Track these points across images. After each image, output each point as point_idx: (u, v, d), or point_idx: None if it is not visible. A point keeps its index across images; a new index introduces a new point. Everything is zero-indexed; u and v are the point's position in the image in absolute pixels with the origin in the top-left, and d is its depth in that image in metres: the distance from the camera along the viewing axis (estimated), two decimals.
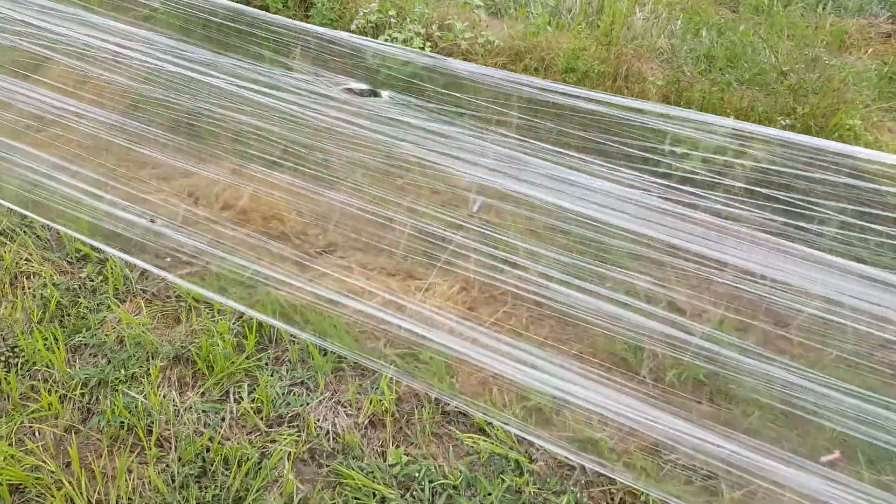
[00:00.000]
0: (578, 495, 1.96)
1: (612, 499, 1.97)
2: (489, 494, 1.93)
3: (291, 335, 2.29)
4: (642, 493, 1.97)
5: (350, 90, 2.58)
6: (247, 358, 2.20)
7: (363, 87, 2.57)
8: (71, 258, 2.51)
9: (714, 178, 2.72)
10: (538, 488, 1.96)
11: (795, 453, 2.02)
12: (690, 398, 2.23)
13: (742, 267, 2.43)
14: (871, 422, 2.05)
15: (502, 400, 2.17)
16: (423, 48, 3.39)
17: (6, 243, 2.57)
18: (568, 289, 2.42)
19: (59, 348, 2.18)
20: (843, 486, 1.90)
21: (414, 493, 1.93)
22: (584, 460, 2.05)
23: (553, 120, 2.80)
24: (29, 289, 2.38)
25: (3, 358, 2.16)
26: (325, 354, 2.25)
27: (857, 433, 2.05)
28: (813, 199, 2.57)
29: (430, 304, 2.41)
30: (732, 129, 2.62)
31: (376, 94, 2.61)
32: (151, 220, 2.39)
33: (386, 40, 3.25)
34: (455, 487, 1.95)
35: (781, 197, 2.62)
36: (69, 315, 2.30)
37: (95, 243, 2.51)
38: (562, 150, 2.64)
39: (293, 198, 2.72)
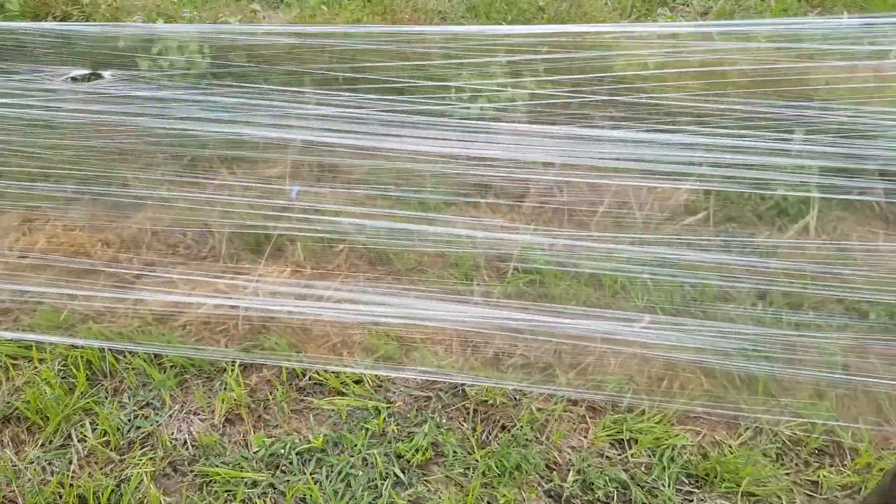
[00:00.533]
0: (438, 419, 2.07)
1: (468, 411, 2.10)
2: (355, 445, 2.00)
3: (126, 363, 2.24)
4: (491, 397, 2.12)
5: (73, 79, 2.53)
6: (81, 395, 2.13)
7: (84, 71, 2.53)
8: None
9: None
10: (399, 425, 2.06)
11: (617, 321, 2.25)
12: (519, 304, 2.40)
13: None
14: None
15: (352, 359, 2.24)
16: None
17: None
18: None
19: None
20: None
21: (283, 468, 1.97)
22: (439, 382, 2.17)
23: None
24: None
25: None
26: (165, 371, 2.22)
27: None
28: None
29: (262, 292, 2.43)
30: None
31: (99, 76, 2.57)
32: None
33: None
34: (322, 450, 2.00)
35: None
36: None
37: None
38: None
39: (95, 232, 2.64)
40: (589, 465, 1.95)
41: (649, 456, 1.98)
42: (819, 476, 1.97)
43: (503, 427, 2.05)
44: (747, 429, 2.06)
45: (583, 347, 2.16)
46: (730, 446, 2.01)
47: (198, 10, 3.76)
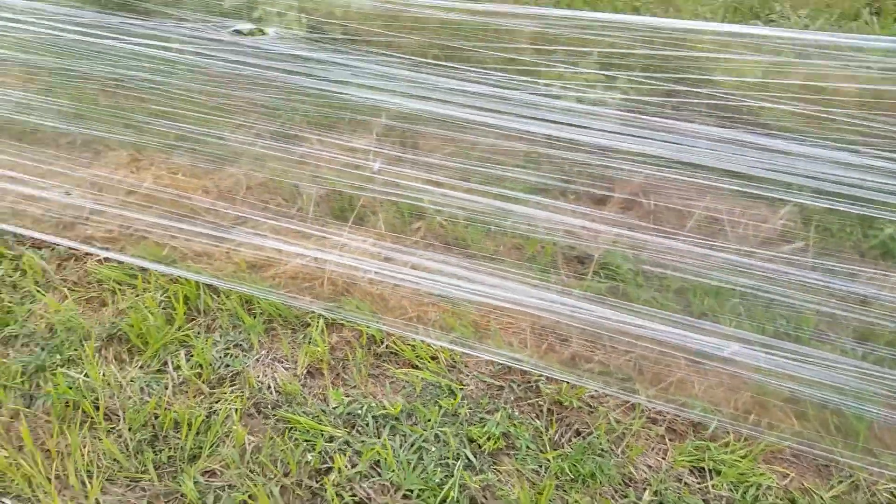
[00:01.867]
0: (510, 411, 2.17)
1: (540, 408, 2.19)
2: (428, 420, 2.11)
3: (219, 304, 2.38)
4: (566, 399, 2.20)
5: (238, 31, 2.64)
6: (178, 328, 2.28)
7: (249, 26, 2.64)
8: None
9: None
10: (472, 409, 2.16)
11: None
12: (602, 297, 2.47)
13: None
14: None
15: (433, 331, 2.34)
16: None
17: None
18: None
19: None
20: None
21: (359, 428, 2.09)
22: (513, 373, 2.26)
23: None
24: None
25: None
26: (255, 317, 2.36)
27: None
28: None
29: (347, 257, 2.54)
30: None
31: (262, 32, 2.68)
32: (67, 193, 2.41)
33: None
34: (396, 418, 2.12)
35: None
36: None
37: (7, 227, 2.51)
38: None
39: (195, 177, 2.78)
40: (666, 488, 1.98)
41: (731, 490, 1.98)
42: None
43: (577, 432, 2.13)
44: (841, 481, 1.99)
45: (666, 364, 2.22)
46: (821, 497, 1.95)
47: None
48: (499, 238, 2.68)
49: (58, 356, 2.18)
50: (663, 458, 2.07)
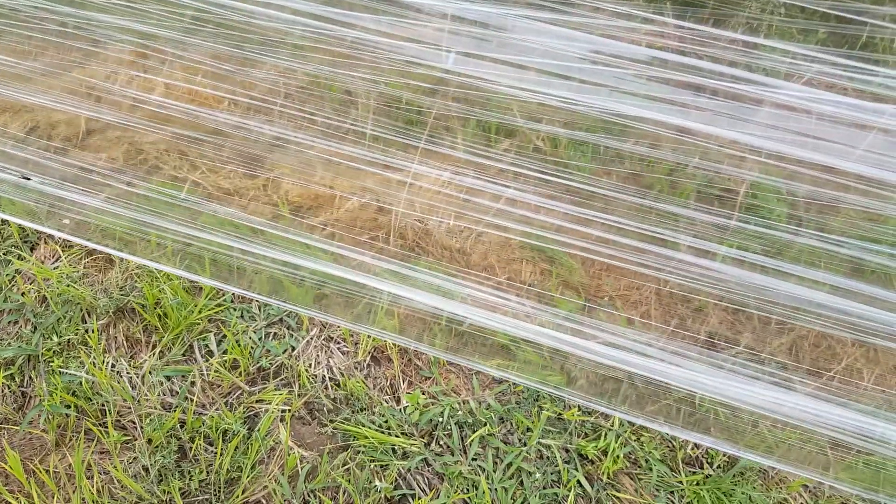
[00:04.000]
0: (630, 415, 1.68)
1: (669, 410, 1.70)
2: (529, 430, 1.63)
3: (255, 264, 1.85)
4: (697, 395, 1.69)
5: None
6: (208, 301, 1.78)
7: None
8: None
9: None
10: (581, 410, 1.67)
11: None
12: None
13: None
14: None
15: (530, 324, 1.82)
16: None
17: None
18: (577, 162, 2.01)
19: None
20: None
21: (440, 440, 1.63)
22: (632, 362, 1.75)
23: None
24: None
25: None
26: (302, 283, 1.84)
27: None
28: None
29: (418, 201, 1.97)
30: None
31: None
32: (25, 178, 1.82)
33: None
34: (484, 424, 1.65)
35: None
36: None
37: None
38: None
39: (219, 81, 2.15)
40: None
41: None
42: None
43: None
44: None
45: (828, 346, 1.69)
46: None
47: None
48: (613, 163, 2.07)
49: (53, 339, 1.70)
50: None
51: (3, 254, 1.86)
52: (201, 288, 1.80)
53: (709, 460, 1.63)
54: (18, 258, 1.85)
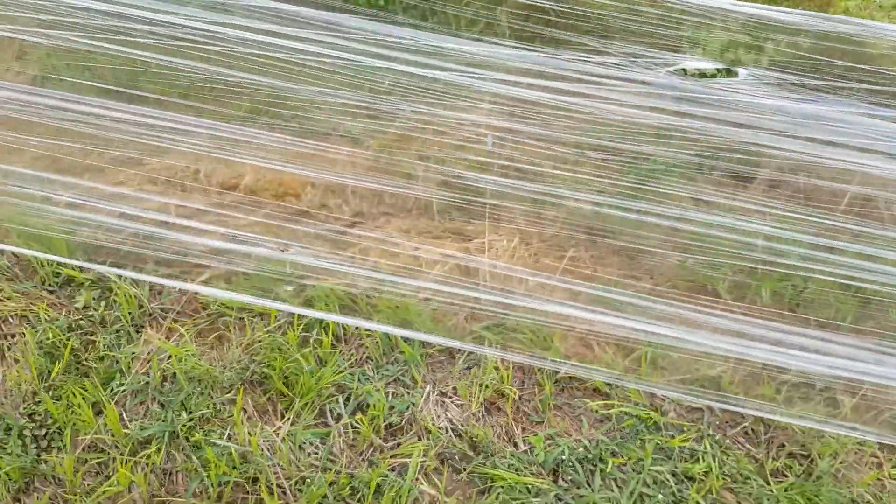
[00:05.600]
0: (716, 437, 1.92)
1: (745, 431, 1.95)
2: (640, 460, 1.84)
3: (367, 329, 1.99)
4: (771, 420, 1.96)
5: (684, 71, 2.04)
6: (335, 370, 1.89)
7: (707, 65, 2.01)
8: (52, 285, 1.99)
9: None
10: (679, 440, 1.90)
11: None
12: (773, 311, 2.22)
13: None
14: None
15: (607, 355, 2.04)
16: None
17: None
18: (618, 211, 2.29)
19: (104, 406, 1.74)
20: None
21: (565, 476, 1.80)
22: (710, 392, 1.99)
23: None
24: (20, 336, 1.86)
25: (27, 432, 1.69)
26: (411, 343, 1.99)
27: None
28: None
29: (500, 264, 2.19)
30: None
31: (732, 73, 2.09)
32: (282, 250, 1.91)
33: None
34: (601, 458, 1.84)
35: None
36: (88, 360, 1.84)
37: (81, 263, 2.00)
38: None
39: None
40: None
41: None
42: None
43: (789, 454, 1.91)
44: None
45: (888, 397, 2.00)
46: None
47: None
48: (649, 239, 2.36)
49: (184, 415, 1.76)
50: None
51: (118, 338, 1.90)
52: (321, 358, 1.91)
53: (788, 470, 1.88)
54: (133, 341, 1.90)
